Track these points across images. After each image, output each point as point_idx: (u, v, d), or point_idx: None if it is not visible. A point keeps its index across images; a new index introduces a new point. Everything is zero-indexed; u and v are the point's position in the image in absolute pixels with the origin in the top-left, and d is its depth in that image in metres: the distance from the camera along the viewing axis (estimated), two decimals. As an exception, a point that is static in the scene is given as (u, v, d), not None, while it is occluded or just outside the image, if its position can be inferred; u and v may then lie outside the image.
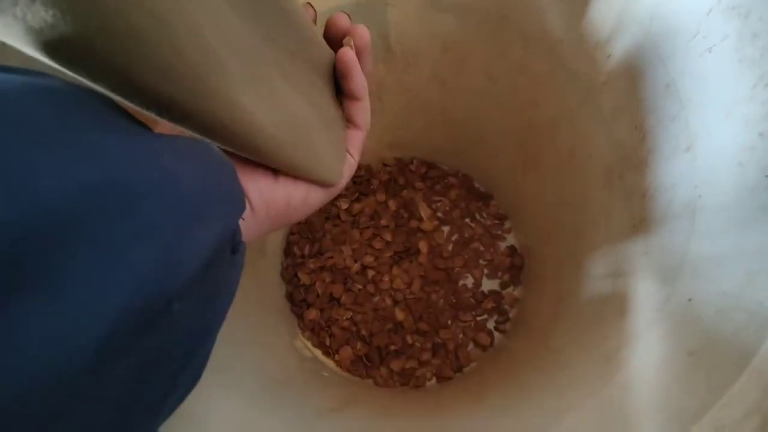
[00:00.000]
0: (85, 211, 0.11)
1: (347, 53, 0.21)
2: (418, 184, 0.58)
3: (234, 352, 0.34)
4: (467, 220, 0.57)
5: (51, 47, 0.12)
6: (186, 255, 0.13)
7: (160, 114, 0.14)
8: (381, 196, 0.57)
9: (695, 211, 0.25)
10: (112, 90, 0.13)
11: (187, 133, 0.16)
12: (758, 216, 0.22)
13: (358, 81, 0.22)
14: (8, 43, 0.12)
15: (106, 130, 0.13)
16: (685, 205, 0.26)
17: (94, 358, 0.11)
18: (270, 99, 0.18)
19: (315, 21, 0.24)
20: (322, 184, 0.22)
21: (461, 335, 0.52)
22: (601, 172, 0.34)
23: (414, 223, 0.56)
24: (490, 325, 0.53)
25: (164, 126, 0.17)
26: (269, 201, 0.20)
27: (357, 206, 0.57)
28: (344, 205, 0.57)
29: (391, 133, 0.52)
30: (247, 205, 0.18)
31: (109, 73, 0.13)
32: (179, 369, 0.15)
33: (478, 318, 0.53)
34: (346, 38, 0.22)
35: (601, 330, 0.29)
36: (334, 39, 0.23)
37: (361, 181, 0.58)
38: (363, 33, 0.22)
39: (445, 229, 0.56)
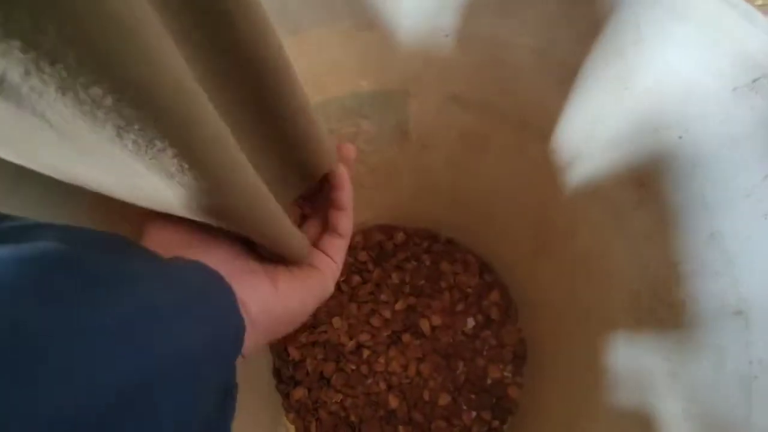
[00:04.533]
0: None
1: (344, 172, 0.25)
2: (425, 258, 0.56)
3: None
4: (472, 306, 0.54)
5: None
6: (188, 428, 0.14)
7: None
8: (379, 272, 0.54)
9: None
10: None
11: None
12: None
13: (349, 193, 0.25)
14: None
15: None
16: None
17: None
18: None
19: (354, 159, 0.26)
20: (294, 259, 0.23)
21: (458, 431, 0.49)
22: (625, 296, 0.32)
23: (413, 301, 0.53)
24: (488, 416, 0.49)
25: (154, 234, 0.19)
26: (269, 310, 0.20)
27: (356, 278, 0.54)
28: (342, 276, 0.54)
29: (404, 208, 0.50)
30: (246, 319, 0.18)
31: None
32: None
33: (481, 412, 0.49)
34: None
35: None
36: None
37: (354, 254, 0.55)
38: (349, 151, 0.26)
39: (447, 311, 0.53)
